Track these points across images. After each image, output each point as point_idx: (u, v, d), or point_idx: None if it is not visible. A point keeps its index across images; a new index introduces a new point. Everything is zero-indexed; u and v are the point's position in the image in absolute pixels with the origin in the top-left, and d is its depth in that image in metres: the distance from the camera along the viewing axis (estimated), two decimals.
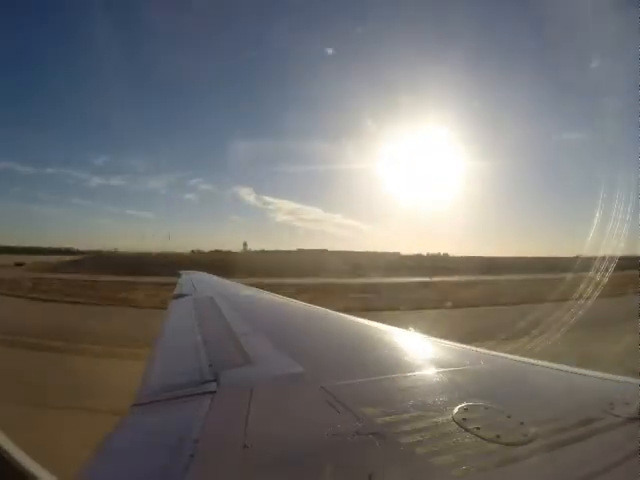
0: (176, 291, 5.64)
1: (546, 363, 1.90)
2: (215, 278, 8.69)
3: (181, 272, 9.36)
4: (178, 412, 1.39)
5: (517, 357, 2.05)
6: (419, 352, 2.31)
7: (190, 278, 7.48)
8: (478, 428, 1.14)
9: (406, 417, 1.24)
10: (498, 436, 1.10)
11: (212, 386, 1.57)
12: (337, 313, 3.78)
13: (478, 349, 2.17)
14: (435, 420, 1.21)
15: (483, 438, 1.09)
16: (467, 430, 1.14)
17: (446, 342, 2.48)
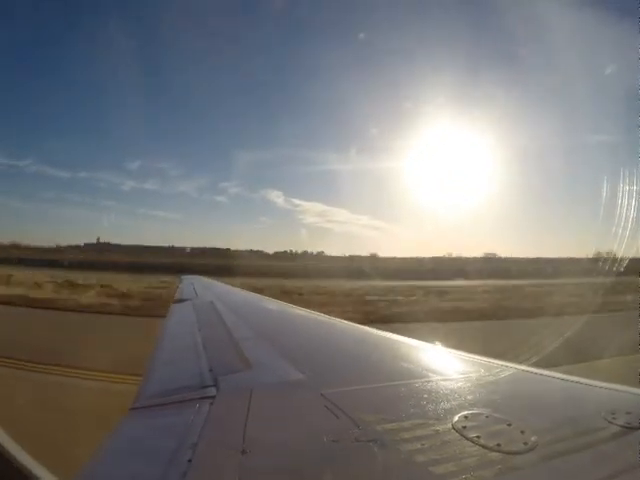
0: (177, 295, 5.62)
1: (547, 372, 1.88)
2: (216, 283, 8.67)
3: (182, 277, 9.31)
4: (176, 416, 1.38)
5: (518, 365, 2.03)
6: (420, 359, 2.29)
7: (191, 282, 7.44)
8: (478, 436, 1.13)
9: (406, 425, 1.23)
10: (499, 445, 1.09)
11: (211, 391, 1.56)
12: (338, 319, 3.78)
13: (479, 357, 2.16)
14: (435, 428, 1.20)
15: (483, 446, 1.08)
16: (467, 438, 1.13)
17: (447, 350, 2.47)
